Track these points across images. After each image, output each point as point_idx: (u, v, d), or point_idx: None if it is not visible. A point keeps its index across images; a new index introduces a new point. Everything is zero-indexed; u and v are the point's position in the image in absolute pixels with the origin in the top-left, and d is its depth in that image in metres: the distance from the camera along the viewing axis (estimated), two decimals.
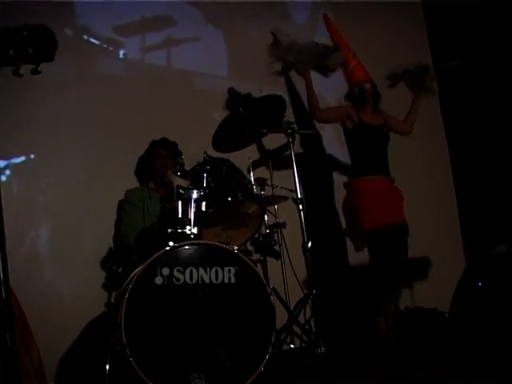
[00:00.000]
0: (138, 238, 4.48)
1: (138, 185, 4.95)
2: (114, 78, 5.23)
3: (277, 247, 4.69)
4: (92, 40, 5.09)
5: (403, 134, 5.33)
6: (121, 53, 5.27)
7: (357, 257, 5.28)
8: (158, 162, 4.73)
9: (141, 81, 5.26)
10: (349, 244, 5.31)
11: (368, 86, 5.05)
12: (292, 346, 4.32)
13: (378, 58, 5.87)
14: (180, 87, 5.47)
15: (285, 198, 4.60)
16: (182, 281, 3.50)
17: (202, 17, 5.68)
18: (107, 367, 3.57)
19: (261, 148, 5.25)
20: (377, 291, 4.80)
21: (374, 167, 4.93)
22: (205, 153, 4.10)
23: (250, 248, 4.70)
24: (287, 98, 5.26)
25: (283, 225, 4.67)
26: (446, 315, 4.55)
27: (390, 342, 4.58)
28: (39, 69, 2.33)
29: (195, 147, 4.41)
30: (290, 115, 5.07)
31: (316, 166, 5.77)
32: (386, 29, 6.47)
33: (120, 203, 4.81)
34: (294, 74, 5.39)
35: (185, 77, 5.52)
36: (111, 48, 5.23)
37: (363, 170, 4.93)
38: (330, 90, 5.57)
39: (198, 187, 3.90)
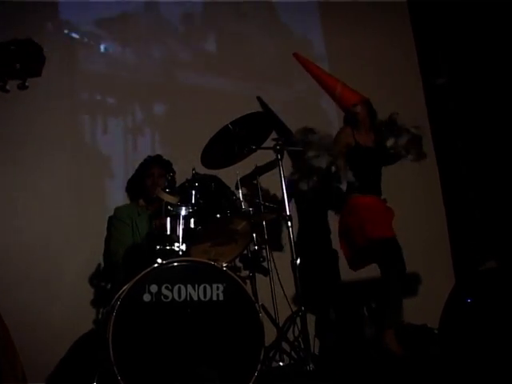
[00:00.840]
0: (126, 254, 4.47)
1: (127, 201, 4.94)
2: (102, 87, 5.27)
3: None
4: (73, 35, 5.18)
5: None
6: (102, 47, 5.31)
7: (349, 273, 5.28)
8: (150, 180, 4.73)
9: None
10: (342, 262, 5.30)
11: (358, 108, 5.05)
12: (281, 363, 4.30)
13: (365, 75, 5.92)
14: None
15: (273, 215, 4.60)
16: (170, 298, 3.48)
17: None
18: None
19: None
20: (384, 305, 4.78)
21: (367, 187, 4.93)
22: (193, 169, 4.10)
23: (240, 264, 4.68)
24: None
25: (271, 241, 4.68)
26: (436, 331, 4.55)
27: (399, 355, 4.55)
28: (26, 84, 2.33)
29: (185, 164, 4.43)
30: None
31: None
32: (375, 49, 6.53)
33: (110, 220, 4.80)
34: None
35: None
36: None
37: (357, 189, 4.92)
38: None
39: (187, 204, 3.90)
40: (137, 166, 4.93)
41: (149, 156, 4.88)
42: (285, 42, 6.25)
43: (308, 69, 5.27)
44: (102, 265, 4.74)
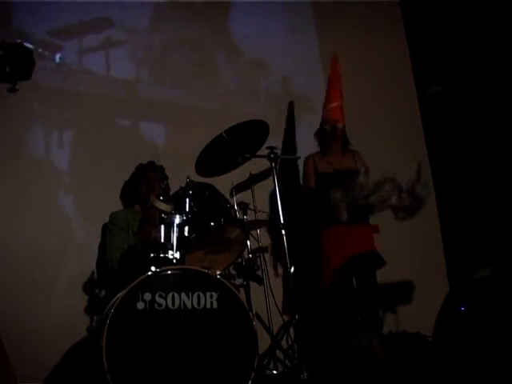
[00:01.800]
0: (121, 260, 4.47)
1: (122, 208, 4.95)
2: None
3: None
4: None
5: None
6: (57, 57, 5.19)
7: None
8: (145, 185, 4.75)
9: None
10: None
11: (340, 126, 5.14)
12: (275, 371, 4.30)
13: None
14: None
15: (267, 223, 4.61)
16: (163, 306, 3.48)
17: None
18: None
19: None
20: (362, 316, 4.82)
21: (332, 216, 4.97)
22: (187, 177, 4.10)
23: (234, 272, 4.68)
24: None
25: (265, 249, 4.68)
26: (430, 339, 4.56)
27: (383, 362, 4.59)
28: (16, 87, 2.33)
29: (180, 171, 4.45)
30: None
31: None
32: (369, 58, 6.57)
33: (105, 226, 4.80)
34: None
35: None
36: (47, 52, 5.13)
37: (329, 218, 4.99)
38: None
39: (181, 212, 3.91)
40: None
41: (141, 163, 4.87)
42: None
43: (332, 73, 5.42)
44: (96, 271, 4.74)
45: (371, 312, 4.81)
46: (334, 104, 5.19)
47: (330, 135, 5.14)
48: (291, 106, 6.08)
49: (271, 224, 4.77)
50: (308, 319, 4.93)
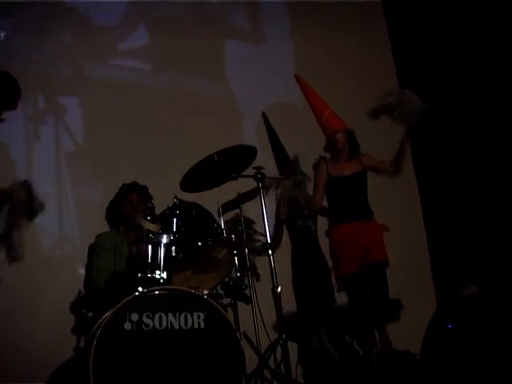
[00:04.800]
0: (108, 282, 4.45)
1: (107, 229, 4.93)
2: None
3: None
4: None
5: (392, 176, 5.27)
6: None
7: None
8: (129, 206, 4.73)
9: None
10: None
11: (339, 136, 5.13)
12: None
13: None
14: None
15: (255, 243, 4.62)
16: (151, 326, 3.48)
17: None
18: None
19: None
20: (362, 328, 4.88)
21: (348, 214, 5.02)
22: (175, 197, 4.11)
23: (221, 292, 4.67)
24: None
25: (253, 268, 4.68)
26: (418, 357, 4.57)
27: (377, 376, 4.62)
28: (2, 117, 2.34)
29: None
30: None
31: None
32: (354, 74, 6.61)
33: (91, 247, 4.78)
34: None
35: None
36: None
37: (338, 218, 5.06)
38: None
39: (168, 231, 3.91)
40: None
41: (124, 184, 4.87)
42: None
43: (304, 91, 5.44)
44: (83, 292, 4.72)
45: (382, 320, 4.85)
46: (326, 113, 5.19)
47: (333, 148, 5.18)
48: (264, 116, 6.12)
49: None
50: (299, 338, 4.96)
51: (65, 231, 4.94)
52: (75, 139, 5.30)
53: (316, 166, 5.28)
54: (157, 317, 3.50)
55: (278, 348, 4.33)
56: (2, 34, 5.06)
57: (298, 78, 5.52)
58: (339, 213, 5.07)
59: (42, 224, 4.82)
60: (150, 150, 5.42)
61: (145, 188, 4.80)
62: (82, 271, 4.81)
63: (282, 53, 6.56)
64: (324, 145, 5.29)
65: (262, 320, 4.59)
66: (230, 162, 4.47)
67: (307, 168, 5.41)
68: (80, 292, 4.69)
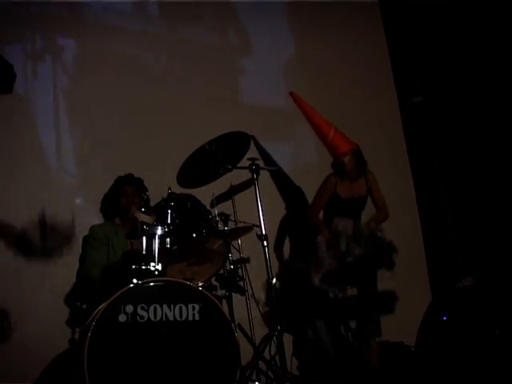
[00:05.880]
0: (102, 273, 4.44)
1: (102, 221, 4.93)
2: None
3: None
4: None
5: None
6: None
7: None
8: (124, 199, 4.71)
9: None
10: None
11: (346, 160, 5.05)
12: (257, 383, 4.29)
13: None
14: None
15: (248, 230, 4.61)
16: (145, 318, 3.48)
17: None
18: None
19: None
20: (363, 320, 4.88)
21: None
22: (169, 189, 4.11)
23: (216, 283, 4.67)
24: None
25: (247, 260, 4.68)
26: (412, 349, 4.58)
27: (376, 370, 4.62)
28: None
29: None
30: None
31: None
32: (350, 69, 6.60)
33: (85, 239, 4.77)
34: None
35: None
36: None
37: None
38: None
39: (163, 223, 3.91)
40: None
41: (119, 176, 4.86)
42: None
43: (303, 110, 5.25)
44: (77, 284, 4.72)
45: (372, 316, 4.82)
46: (331, 135, 5.07)
47: (340, 171, 5.11)
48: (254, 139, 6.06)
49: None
50: (294, 330, 4.96)
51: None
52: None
53: (326, 181, 5.17)
54: (151, 309, 3.50)
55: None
56: None
57: (293, 96, 5.32)
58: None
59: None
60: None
61: (140, 180, 4.78)
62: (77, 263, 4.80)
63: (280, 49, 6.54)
64: (331, 162, 5.22)
65: (260, 311, 4.60)
66: (224, 151, 4.46)
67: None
68: (75, 284, 4.69)
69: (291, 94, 5.33)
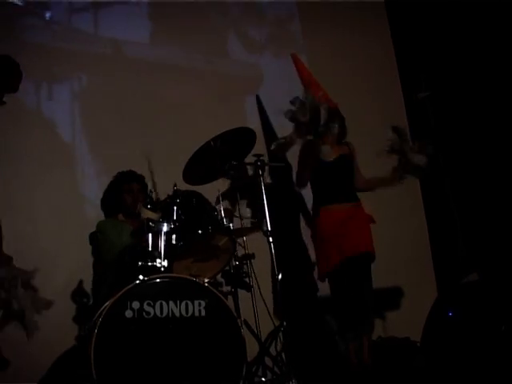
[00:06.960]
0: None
1: (103, 217, 4.95)
2: None
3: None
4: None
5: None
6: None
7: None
8: (130, 196, 4.72)
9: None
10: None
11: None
12: (263, 378, 4.29)
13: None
14: None
15: (255, 230, 4.61)
16: (152, 314, 3.50)
17: None
18: None
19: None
20: (342, 321, 4.82)
21: (335, 196, 4.92)
22: (175, 185, 4.11)
23: (221, 280, 4.68)
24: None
25: (252, 256, 4.67)
26: (419, 344, 4.58)
27: (357, 370, 4.59)
28: (4, 99, 2.34)
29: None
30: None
31: (284, 198, 5.80)
32: (355, 66, 6.62)
33: (92, 235, 4.79)
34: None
35: None
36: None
37: (324, 200, 4.94)
38: None
39: (169, 220, 3.92)
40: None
41: (119, 173, 4.86)
42: None
43: (299, 70, 5.34)
44: (85, 280, 4.73)
45: (364, 313, 4.79)
46: (320, 93, 4.93)
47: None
48: (258, 99, 6.12)
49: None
50: (298, 325, 4.94)
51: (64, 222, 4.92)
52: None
53: (305, 147, 5.01)
54: (158, 305, 3.52)
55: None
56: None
57: (293, 57, 5.42)
58: (325, 195, 4.94)
59: (42, 214, 4.84)
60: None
61: (142, 177, 4.81)
62: (85, 259, 4.82)
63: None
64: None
65: (266, 306, 4.60)
66: (229, 148, 4.47)
67: None
68: (81, 281, 4.70)
69: (292, 55, 5.46)
